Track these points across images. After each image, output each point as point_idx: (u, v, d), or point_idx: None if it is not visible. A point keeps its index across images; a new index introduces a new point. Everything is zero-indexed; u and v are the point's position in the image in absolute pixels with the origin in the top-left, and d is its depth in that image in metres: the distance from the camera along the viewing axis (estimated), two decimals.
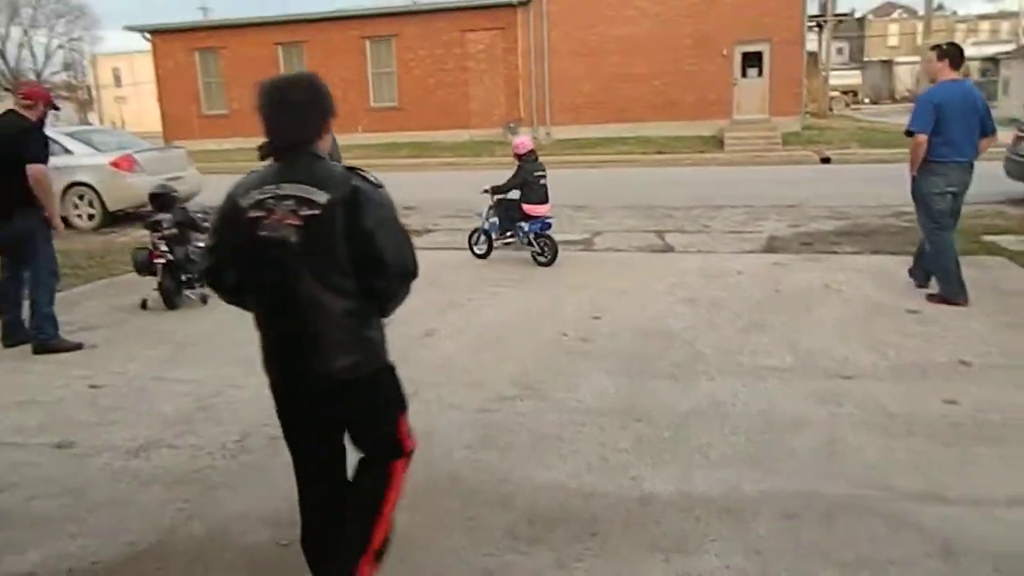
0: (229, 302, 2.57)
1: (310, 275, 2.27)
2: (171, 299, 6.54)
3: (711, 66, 23.39)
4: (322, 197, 2.23)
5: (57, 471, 3.67)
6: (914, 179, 6.02)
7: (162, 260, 6.45)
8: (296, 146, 2.32)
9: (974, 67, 47.08)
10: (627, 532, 3.01)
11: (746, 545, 2.89)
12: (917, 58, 29.54)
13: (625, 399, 4.32)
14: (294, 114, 2.32)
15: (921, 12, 23.55)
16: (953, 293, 5.85)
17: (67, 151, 11.64)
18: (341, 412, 2.49)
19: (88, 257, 8.89)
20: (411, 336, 5.61)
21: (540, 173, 8.03)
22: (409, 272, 2.41)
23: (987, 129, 5.87)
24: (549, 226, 7.92)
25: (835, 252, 8.09)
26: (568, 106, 24.69)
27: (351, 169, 2.35)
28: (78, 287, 7.48)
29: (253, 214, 2.26)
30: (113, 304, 6.86)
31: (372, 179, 2.35)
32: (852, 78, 53.59)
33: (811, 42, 28.57)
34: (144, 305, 6.59)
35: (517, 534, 3.02)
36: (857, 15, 55.46)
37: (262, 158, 2.37)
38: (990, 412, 3.94)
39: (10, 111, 5.44)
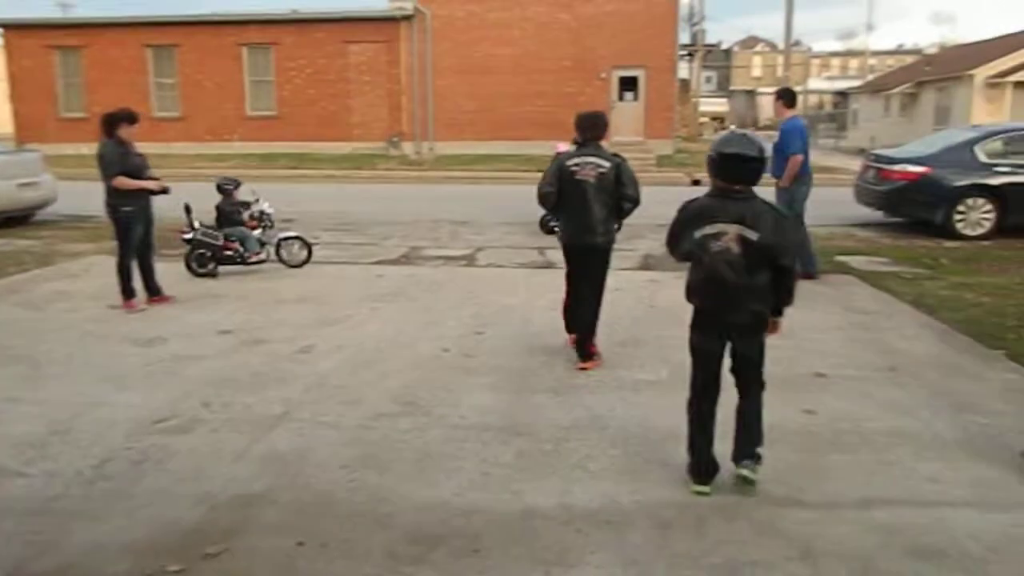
0: (548, 209, 5.41)
1: (597, 197, 4.97)
2: (189, 267, 8.00)
3: (590, 88, 24.13)
4: (606, 165, 4.97)
5: None
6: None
7: (187, 236, 7.91)
8: (591, 140, 5.10)
9: (827, 100, 50.91)
10: (509, 547, 3.02)
11: (624, 556, 2.96)
12: (776, 89, 31.53)
13: (507, 414, 4.35)
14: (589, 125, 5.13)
15: (781, 46, 25.24)
16: None
17: None
18: (589, 264, 5.20)
19: None
20: (285, 353, 5.44)
21: None
22: (638, 202, 5.11)
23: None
24: None
25: None
26: (451, 122, 24.80)
27: (615, 155, 5.07)
28: None
29: (572, 167, 5.00)
30: None
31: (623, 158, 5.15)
32: (720, 105, 56.73)
33: (683, 70, 30.03)
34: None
35: (398, 555, 2.97)
36: (724, 46, 58.80)
37: (575, 143, 5.16)
38: (843, 421, 4.23)
39: None
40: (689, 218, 3.47)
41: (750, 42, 70.22)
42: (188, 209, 7.93)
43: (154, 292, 6.87)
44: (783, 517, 3.24)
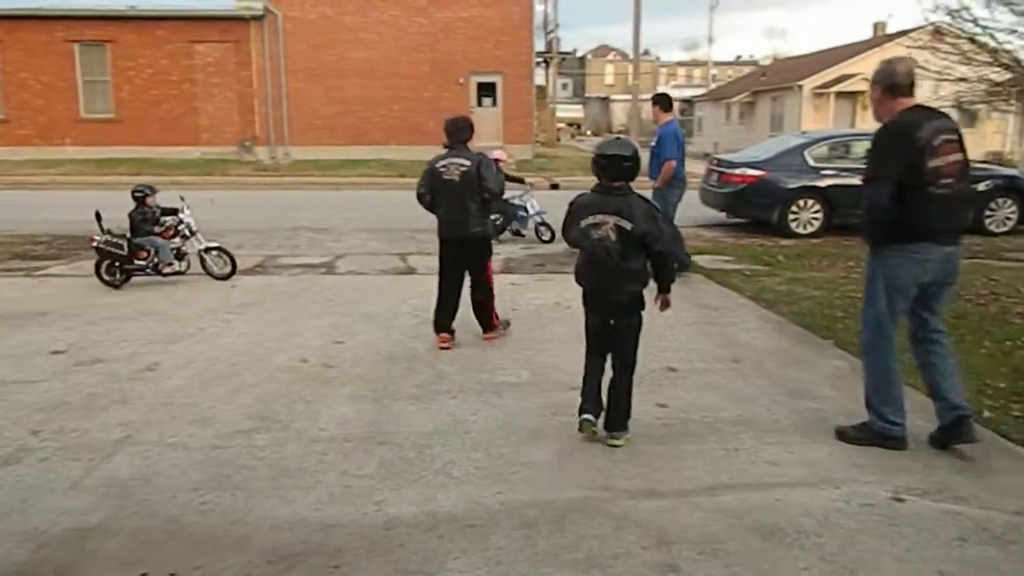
0: (425, 208, 5.78)
1: (464, 193, 5.45)
2: (97, 273, 7.75)
3: (448, 94, 24.23)
4: (467, 163, 5.46)
5: None
6: None
7: (94, 244, 7.69)
8: (456, 143, 5.59)
9: (675, 107, 53.55)
10: (371, 560, 2.96)
11: (488, 558, 2.97)
12: (629, 96, 32.96)
13: (369, 424, 4.27)
14: (455, 130, 5.64)
15: (631, 55, 26.36)
16: None
17: None
18: (468, 255, 5.70)
19: None
20: (126, 373, 5.09)
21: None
22: (498, 193, 5.66)
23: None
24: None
25: (564, 272, 8.70)
26: (307, 126, 24.15)
27: (479, 153, 5.61)
28: None
29: (440, 168, 5.54)
30: None
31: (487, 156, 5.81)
32: (576, 112, 58.52)
33: (539, 77, 30.70)
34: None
35: None
36: (579, 54, 60.73)
37: (445, 147, 5.64)
38: (693, 412, 4.45)
39: None
40: (576, 210, 4.01)
41: (602, 51, 72.87)
42: (98, 216, 7.73)
43: None
44: (640, 508, 3.36)
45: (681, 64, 75.89)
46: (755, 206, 11.81)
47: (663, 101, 8.37)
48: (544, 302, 7.15)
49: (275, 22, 23.55)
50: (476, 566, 2.91)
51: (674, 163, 7.97)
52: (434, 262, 9.35)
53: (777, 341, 5.99)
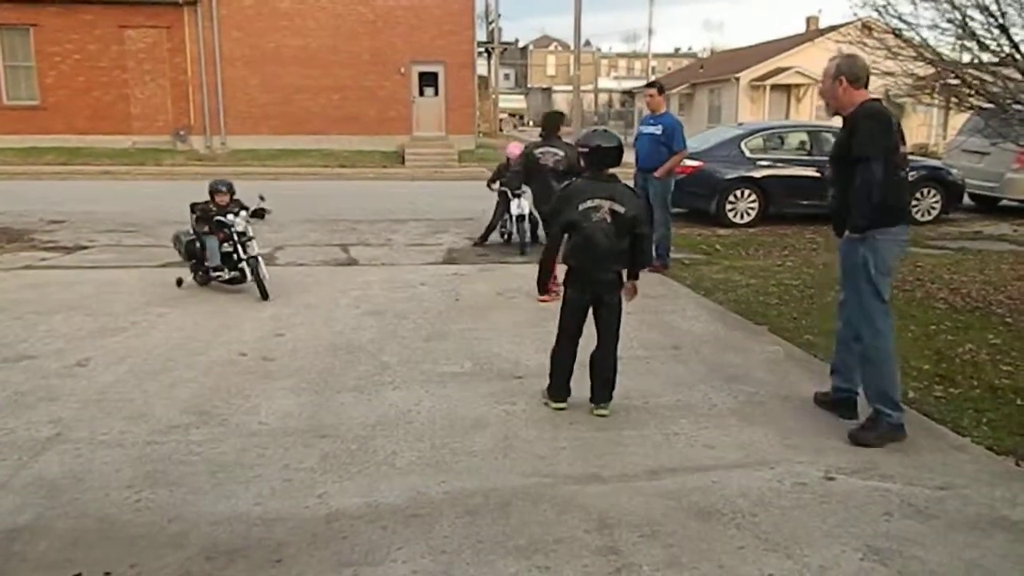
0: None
1: (550, 175, 6.95)
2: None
3: (389, 83, 23.97)
4: (561, 153, 7.01)
5: None
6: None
7: None
8: (551, 134, 7.23)
9: (615, 98, 54.13)
10: (313, 553, 2.93)
11: (431, 547, 2.97)
12: (570, 87, 33.13)
13: (310, 416, 4.22)
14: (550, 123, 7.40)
15: (572, 46, 26.49)
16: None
17: None
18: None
19: None
20: (54, 369, 4.92)
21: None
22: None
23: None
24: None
25: (507, 263, 8.73)
26: (244, 115, 23.58)
27: (569, 144, 6.98)
28: None
29: (537, 154, 7.11)
30: None
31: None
32: (518, 102, 58.58)
33: (481, 67, 30.62)
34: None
35: (192, 574, 2.78)
36: (521, 45, 60.73)
37: (541, 135, 7.34)
38: (634, 398, 4.53)
39: None
40: (570, 195, 4.25)
41: (544, 41, 73.02)
42: (192, 208, 7.40)
43: None
44: (582, 494, 3.40)
45: (621, 56, 76.59)
46: (694, 196, 11.99)
47: (664, 89, 8.52)
48: (487, 292, 7.16)
49: (209, 7, 22.88)
50: (420, 555, 2.92)
51: (687, 152, 8.31)
52: (378, 253, 9.40)
53: (714, 328, 6.12)
